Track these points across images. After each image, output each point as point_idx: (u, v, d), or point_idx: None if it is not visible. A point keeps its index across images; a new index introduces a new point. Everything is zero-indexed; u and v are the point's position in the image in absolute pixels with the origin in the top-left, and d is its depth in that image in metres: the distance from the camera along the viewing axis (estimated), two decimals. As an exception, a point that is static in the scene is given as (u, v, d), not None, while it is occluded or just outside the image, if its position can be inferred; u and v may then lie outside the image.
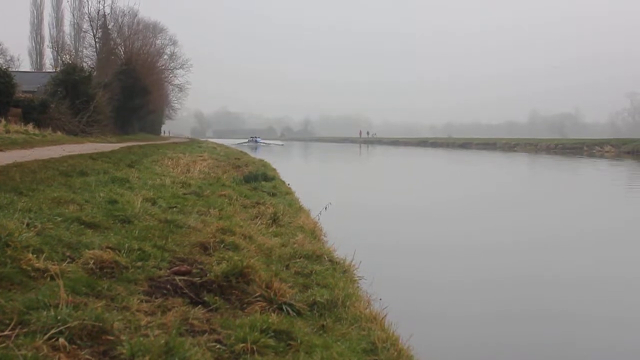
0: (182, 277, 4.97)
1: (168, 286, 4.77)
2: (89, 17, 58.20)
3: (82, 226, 6.15)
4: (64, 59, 48.43)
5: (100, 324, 3.48)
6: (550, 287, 9.00)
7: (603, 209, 18.47)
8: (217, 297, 4.75)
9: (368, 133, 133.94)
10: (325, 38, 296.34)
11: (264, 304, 4.79)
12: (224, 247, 6.45)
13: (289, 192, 15.60)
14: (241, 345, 3.83)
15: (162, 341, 3.47)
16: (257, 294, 4.91)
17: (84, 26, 60.25)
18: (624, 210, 18.13)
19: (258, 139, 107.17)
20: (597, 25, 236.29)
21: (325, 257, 7.28)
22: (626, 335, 7.06)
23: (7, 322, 3.39)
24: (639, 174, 36.15)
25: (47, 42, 71.68)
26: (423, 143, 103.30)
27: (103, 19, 57.82)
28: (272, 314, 4.53)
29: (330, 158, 56.73)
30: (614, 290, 8.99)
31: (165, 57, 76.95)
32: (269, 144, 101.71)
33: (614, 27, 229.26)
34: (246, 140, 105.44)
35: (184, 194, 11.05)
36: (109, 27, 59.46)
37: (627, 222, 15.72)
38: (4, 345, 3.13)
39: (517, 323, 7.39)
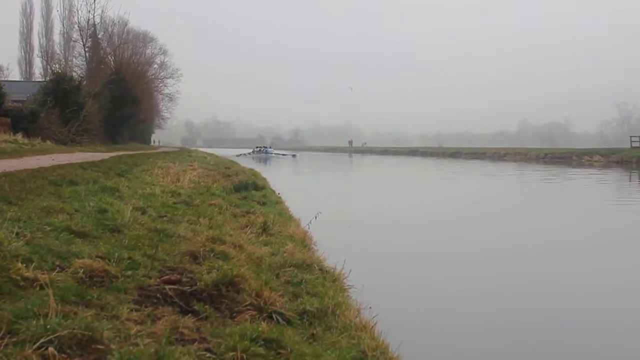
0: (172, 286, 4.97)
1: (158, 295, 4.77)
2: (78, 26, 58.25)
3: (72, 235, 6.13)
4: (53, 68, 48.31)
5: (90, 333, 3.48)
6: (540, 294, 9.03)
7: (594, 218, 18.55)
8: (207, 306, 4.75)
9: (351, 143, 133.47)
10: (314, 47, 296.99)
11: (254, 312, 4.80)
12: (214, 256, 6.45)
13: (279, 201, 15.62)
14: (231, 353, 3.83)
15: (152, 350, 3.48)
16: (247, 303, 4.92)
17: (74, 35, 60.27)
18: (615, 219, 18.20)
19: (269, 149, 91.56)
20: (586, 36, 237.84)
21: (315, 266, 7.31)
22: (622, 342, 7.08)
23: (-4, 331, 3.39)
24: (627, 183, 36.35)
25: (36, 51, 71.45)
26: (413, 152, 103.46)
27: (93, 28, 57.80)
28: (262, 323, 4.54)
29: (321, 167, 56.73)
30: (603, 297, 9.03)
31: (155, 66, 77.20)
32: (284, 155, 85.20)
33: (603, 38, 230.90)
34: (250, 151, 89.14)
35: (174, 203, 11.04)
36: (99, 36, 59.46)
37: (619, 230, 15.79)
38: (-7, 354, 3.12)
39: (507, 331, 7.41)
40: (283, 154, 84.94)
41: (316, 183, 36.17)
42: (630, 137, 69.95)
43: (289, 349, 4.13)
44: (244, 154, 78.96)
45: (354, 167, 62.30)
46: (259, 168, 36.93)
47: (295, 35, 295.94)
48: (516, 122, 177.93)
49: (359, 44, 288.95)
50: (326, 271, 7.38)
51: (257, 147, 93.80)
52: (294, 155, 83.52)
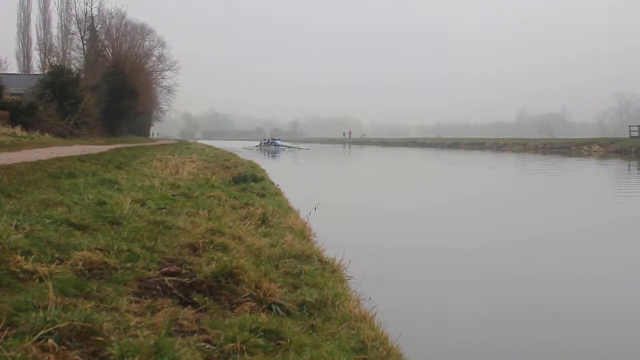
0: (172, 278, 4.97)
1: (157, 287, 4.78)
2: (76, 19, 57.93)
3: (71, 228, 6.13)
4: (51, 61, 48.22)
5: (90, 325, 3.49)
6: (541, 285, 9.04)
7: (594, 208, 18.56)
8: (206, 298, 4.76)
9: (350, 134, 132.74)
10: (312, 38, 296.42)
11: (254, 304, 4.80)
12: (213, 247, 6.45)
13: (278, 193, 15.60)
14: (231, 345, 3.84)
15: (152, 341, 3.48)
16: (247, 294, 4.92)
17: (72, 28, 60.00)
18: (615, 209, 18.21)
19: (278, 141, 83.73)
20: (584, 25, 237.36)
21: (315, 257, 7.30)
22: (624, 333, 7.08)
23: (-4, 323, 3.39)
24: (627, 172, 36.35)
25: (34, 44, 71.28)
26: (412, 143, 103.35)
27: (90, 20, 57.54)
28: (262, 314, 4.55)
29: (324, 159, 56.71)
30: (604, 288, 9.04)
31: (154, 58, 77.11)
32: (296, 148, 77.74)
33: (601, 26, 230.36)
34: (257, 143, 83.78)
35: (173, 195, 11.03)
36: (97, 29, 59.20)
37: (620, 220, 15.80)
38: (-7, 346, 3.13)
39: (507, 322, 7.42)
40: (299, 148, 78.74)
41: (316, 174, 36.15)
42: (629, 126, 70.02)
43: (288, 340, 4.14)
44: (245, 147, 74.57)
45: (355, 158, 62.22)
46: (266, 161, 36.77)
47: (294, 27, 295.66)
48: (514, 112, 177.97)
49: (358, 36, 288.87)
50: (325, 262, 7.37)
51: (264, 140, 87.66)
52: (299, 149, 77.62)
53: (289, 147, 79.35)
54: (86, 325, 3.47)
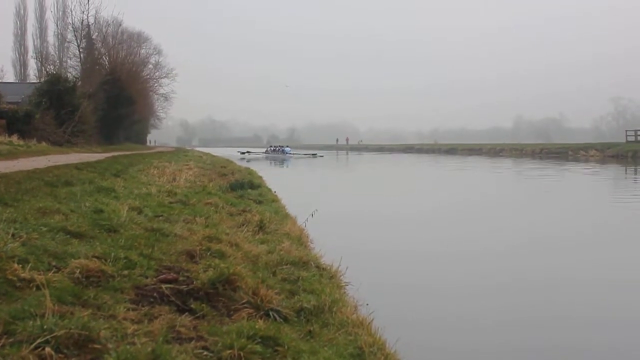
0: (169, 285, 4.97)
1: (155, 294, 4.77)
2: (72, 27, 57.91)
3: (68, 236, 6.12)
4: (48, 69, 48.17)
5: (87, 333, 3.48)
6: (539, 290, 9.03)
7: (591, 211, 18.57)
8: (203, 305, 4.76)
9: (347, 140, 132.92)
10: (309, 44, 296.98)
11: (251, 310, 4.80)
12: (210, 254, 6.46)
13: (275, 200, 15.60)
14: (228, 351, 3.84)
15: (149, 349, 3.48)
16: (244, 301, 4.92)
17: (68, 36, 59.91)
18: (614, 212, 18.23)
19: (287, 149, 77.65)
20: (581, 30, 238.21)
21: (312, 263, 7.31)
22: (624, 336, 7.08)
23: (-7, 332, 3.39)
24: (623, 177, 36.39)
25: (30, 52, 71.43)
26: (409, 149, 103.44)
27: (87, 29, 57.57)
28: (259, 320, 4.55)
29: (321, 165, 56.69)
30: (604, 291, 9.04)
31: (150, 66, 76.89)
32: (309, 155, 72.89)
33: (598, 32, 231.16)
34: (263, 151, 79.69)
35: (170, 202, 11.03)
36: (93, 37, 59.21)
37: (619, 224, 15.81)
38: (-10, 355, 3.13)
39: (506, 327, 7.42)
40: (312, 155, 73.17)
41: (313, 181, 36.16)
42: (626, 131, 70.17)
43: (286, 346, 4.13)
44: (245, 154, 71.12)
45: (353, 165, 62.21)
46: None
47: (292, 34, 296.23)
48: (511, 118, 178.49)
49: (355, 42, 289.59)
50: (323, 268, 7.38)
51: (271, 147, 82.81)
52: (313, 156, 72.56)
53: (299, 155, 74.96)
54: (83, 333, 3.46)
